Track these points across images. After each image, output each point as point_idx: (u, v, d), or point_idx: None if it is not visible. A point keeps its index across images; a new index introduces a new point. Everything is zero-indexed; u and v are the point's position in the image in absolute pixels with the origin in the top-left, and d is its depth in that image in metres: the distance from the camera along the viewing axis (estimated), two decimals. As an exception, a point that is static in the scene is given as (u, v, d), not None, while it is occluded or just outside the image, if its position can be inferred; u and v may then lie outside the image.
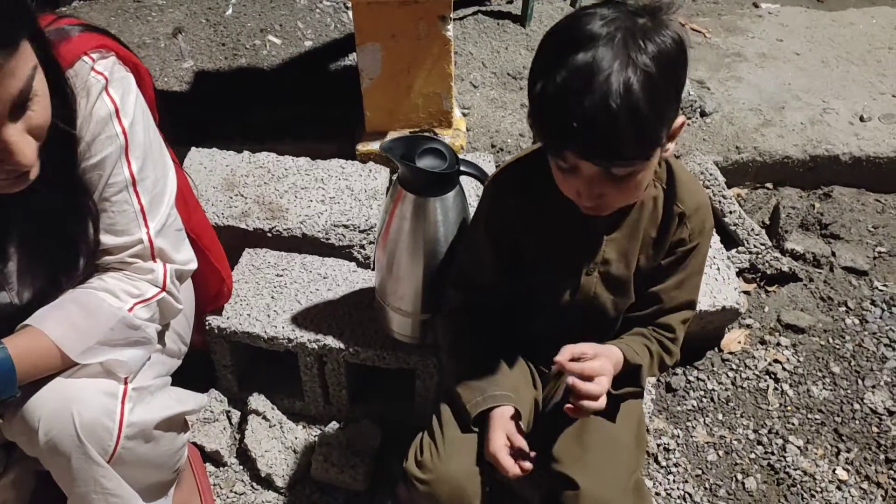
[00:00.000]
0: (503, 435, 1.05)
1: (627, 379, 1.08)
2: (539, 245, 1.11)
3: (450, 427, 1.11)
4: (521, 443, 1.05)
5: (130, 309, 1.03)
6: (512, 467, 1.02)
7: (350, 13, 2.38)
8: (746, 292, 1.80)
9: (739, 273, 1.80)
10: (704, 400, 1.63)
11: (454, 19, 1.79)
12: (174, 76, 2.25)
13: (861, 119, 2.09)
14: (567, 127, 0.84)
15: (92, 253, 1.04)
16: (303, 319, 1.49)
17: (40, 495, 1.29)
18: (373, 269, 1.56)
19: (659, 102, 0.85)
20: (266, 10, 2.44)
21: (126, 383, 1.03)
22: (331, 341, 1.45)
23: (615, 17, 0.86)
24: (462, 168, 1.23)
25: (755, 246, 1.80)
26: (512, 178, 1.11)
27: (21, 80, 0.81)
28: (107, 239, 1.04)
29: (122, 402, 1.01)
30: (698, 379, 1.66)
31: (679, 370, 1.67)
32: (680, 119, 0.93)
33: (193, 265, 1.16)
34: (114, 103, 0.99)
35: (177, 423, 1.13)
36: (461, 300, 1.19)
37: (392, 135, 1.88)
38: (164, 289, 1.08)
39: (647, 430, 1.54)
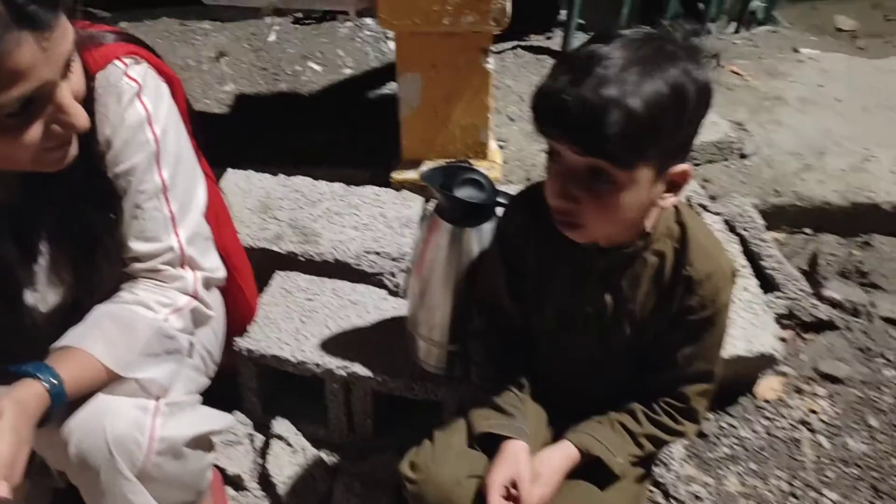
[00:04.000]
0: (508, 472, 1.01)
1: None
2: (540, 271, 1.08)
3: (454, 435, 1.09)
4: (527, 490, 1.00)
5: (165, 319, 1.03)
6: None
7: (389, 43, 2.41)
8: (783, 339, 1.76)
9: (777, 319, 1.75)
10: (737, 448, 1.59)
11: (493, 52, 1.80)
12: (215, 98, 2.29)
13: (903, 167, 2.06)
14: (557, 102, 0.82)
15: (120, 259, 1.04)
16: (331, 345, 1.48)
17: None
18: (404, 297, 1.55)
19: (660, 116, 0.83)
20: (308, 37, 2.48)
21: (158, 399, 1.02)
22: (358, 369, 1.44)
23: (650, 33, 0.86)
24: (500, 199, 1.22)
25: (793, 292, 1.76)
26: (527, 197, 1.10)
27: (69, 40, 0.82)
28: (137, 245, 1.04)
29: (154, 417, 1.00)
30: (731, 426, 1.62)
31: (711, 416, 1.63)
32: (684, 166, 0.90)
33: (222, 273, 1.16)
34: (146, 110, 1.00)
35: (204, 442, 1.12)
36: (485, 323, 1.17)
37: (428, 164, 1.88)
38: (195, 296, 1.08)
39: (677, 476, 1.50)
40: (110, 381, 0.98)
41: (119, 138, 0.98)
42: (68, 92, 0.85)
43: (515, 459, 1.03)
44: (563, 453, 1.07)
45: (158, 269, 1.06)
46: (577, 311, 1.08)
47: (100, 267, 1.04)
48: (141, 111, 1.00)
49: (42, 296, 1.04)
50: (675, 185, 0.92)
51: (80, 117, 0.86)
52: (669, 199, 0.93)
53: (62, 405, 0.93)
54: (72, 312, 1.03)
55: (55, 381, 0.90)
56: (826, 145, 2.13)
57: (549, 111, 0.85)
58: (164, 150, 1.03)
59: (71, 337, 0.97)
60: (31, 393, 0.88)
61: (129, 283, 1.06)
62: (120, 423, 0.98)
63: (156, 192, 1.03)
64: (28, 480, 1.18)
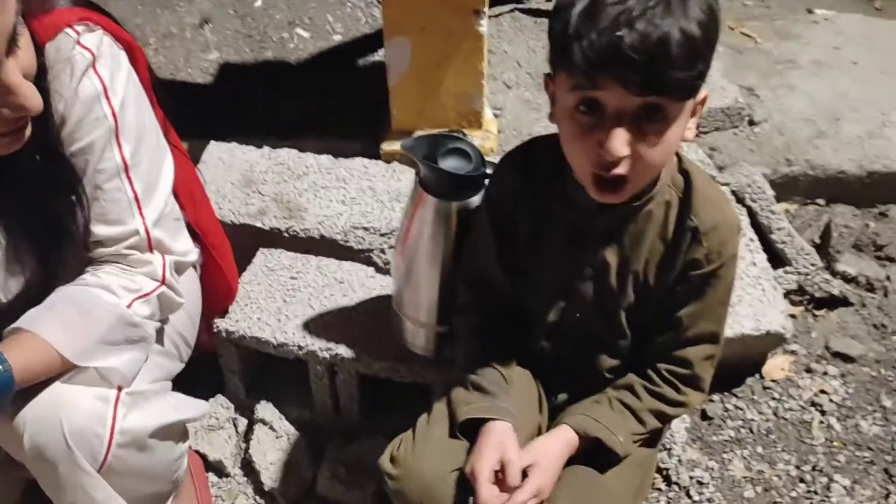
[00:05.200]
0: (495, 455, 0.96)
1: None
2: (533, 236, 1.02)
3: (436, 426, 1.04)
4: (515, 473, 0.94)
5: (129, 305, 0.97)
6: (489, 498, 0.93)
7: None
8: (793, 316, 1.68)
9: (786, 295, 1.67)
10: (743, 430, 1.52)
11: (490, 16, 1.70)
12: (199, 67, 2.21)
13: (923, 134, 1.96)
14: (610, 41, 0.76)
15: (83, 244, 0.98)
16: (315, 326, 1.42)
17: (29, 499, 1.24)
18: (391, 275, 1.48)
19: (710, 35, 0.81)
20: (295, 2, 2.39)
21: (119, 388, 0.95)
22: (343, 351, 1.38)
23: None
24: (488, 171, 1.14)
25: (804, 266, 1.68)
26: (518, 157, 1.04)
27: (11, 14, 0.74)
28: (99, 229, 0.98)
29: (115, 408, 0.94)
30: (737, 407, 1.55)
31: (716, 397, 1.56)
32: (704, 92, 0.86)
33: (193, 256, 1.10)
34: (102, 82, 0.93)
35: (175, 432, 1.06)
36: (471, 297, 1.11)
37: (419, 133, 1.80)
38: (163, 282, 1.02)
39: (679, 461, 1.43)
40: (66, 369, 0.92)
41: (73, 114, 0.92)
42: (16, 70, 0.77)
43: (500, 441, 0.98)
44: (561, 439, 1.01)
45: (124, 254, 1.00)
46: (577, 278, 1.02)
47: (65, 253, 0.98)
48: (96, 84, 0.93)
49: (2, 286, 0.99)
50: (694, 112, 0.88)
51: (31, 98, 0.79)
52: (693, 130, 0.89)
53: (9, 393, 0.87)
54: (37, 298, 0.97)
55: (1, 368, 0.84)
56: (841, 111, 2.03)
57: (601, 53, 0.78)
58: (123, 125, 0.96)
59: (25, 320, 0.92)
60: None
61: (94, 267, 1.00)
62: (78, 414, 0.92)
63: (116, 172, 0.97)
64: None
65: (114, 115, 0.94)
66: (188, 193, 1.20)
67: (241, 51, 2.26)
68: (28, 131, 0.83)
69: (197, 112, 1.88)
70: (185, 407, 1.08)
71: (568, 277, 1.02)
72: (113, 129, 0.95)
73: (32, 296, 0.98)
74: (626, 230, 0.97)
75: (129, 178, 0.98)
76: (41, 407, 0.91)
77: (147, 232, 1.00)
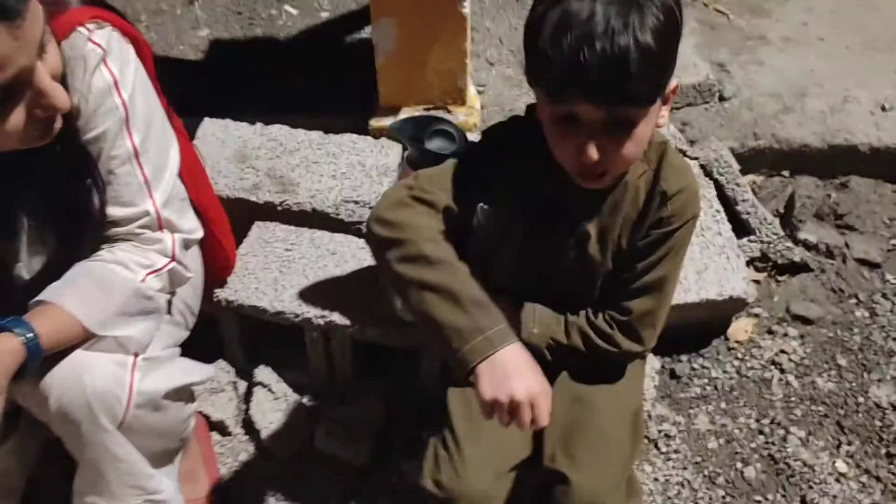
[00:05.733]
0: (540, 372, 0.93)
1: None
2: (517, 218, 1.07)
3: (466, 442, 1.08)
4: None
5: (143, 280, 1.05)
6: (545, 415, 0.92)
7: (368, -15, 2.36)
8: (756, 281, 1.79)
9: (750, 262, 1.78)
10: (708, 388, 1.63)
11: (472, -5, 1.77)
12: (189, 44, 2.25)
13: (883, 109, 2.05)
14: (573, 63, 0.83)
15: (99, 225, 1.06)
16: (310, 295, 1.50)
17: (45, 464, 1.33)
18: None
19: (668, 44, 0.86)
20: (284, -21, 2.42)
21: (136, 354, 1.04)
22: (337, 318, 1.46)
23: None
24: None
25: (767, 235, 1.78)
26: (502, 131, 1.08)
27: (40, 22, 0.82)
28: (114, 211, 1.05)
29: (132, 372, 1.03)
30: (703, 367, 1.66)
31: (684, 357, 1.67)
32: (674, 81, 0.93)
33: (199, 233, 1.18)
34: (112, 75, 1.00)
35: (184, 394, 1.16)
36: (436, 223, 0.99)
37: (405, 111, 1.87)
38: (173, 258, 1.10)
39: (649, 416, 1.54)
40: (87, 337, 1.01)
41: (87, 106, 0.98)
42: (46, 73, 0.85)
43: (529, 357, 0.94)
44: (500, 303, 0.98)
45: (137, 233, 1.08)
46: (558, 249, 1.08)
47: (83, 233, 1.05)
48: (107, 77, 0.99)
49: (26, 264, 1.06)
50: (666, 101, 0.95)
51: (60, 98, 0.87)
52: (665, 116, 0.96)
53: (38, 359, 0.95)
54: (57, 275, 1.04)
55: (31, 336, 0.93)
56: (807, 86, 2.12)
57: (567, 73, 0.84)
58: (133, 114, 1.03)
59: (49, 293, 0.99)
60: (7, 347, 0.91)
61: (109, 245, 1.08)
62: (99, 378, 1.01)
63: (128, 158, 1.04)
64: (18, 433, 1.23)
65: (124, 105, 1.01)
66: (188, 171, 1.26)
67: (231, 28, 2.29)
68: (58, 124, 0.90)
69: (189, 88, 1.93)
70: (192, 371, 1.17)
71: (550, 248, 1.09)
72: (124, 119, 1.02)
73: (53, 273, 1.05)
74: (605, 201, 1.05)
75: (139, 163, 1.05)
76: (65, 372, 1.00)
77: (157, 212, 1.07)
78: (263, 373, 1.57)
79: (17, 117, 0.84)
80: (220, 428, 1.55)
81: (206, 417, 1.53)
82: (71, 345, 1.00)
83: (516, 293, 1.14)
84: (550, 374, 1.13)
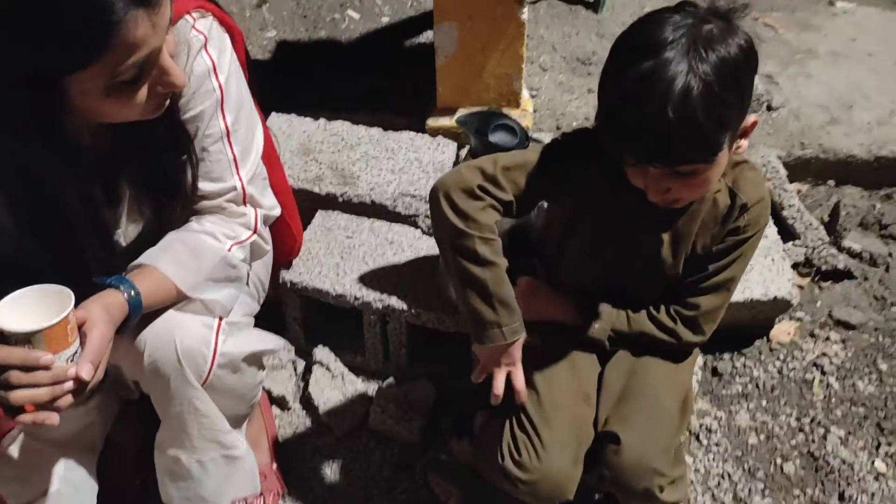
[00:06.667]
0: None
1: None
2: (595, 220, 1.15)
3: (542, 427, 1.14)
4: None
5: (229, 249, 1.14)
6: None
7: (426, -8, 2.46)
8: (800, 286, 1.82)
9: (794, 266, 1.82)
10: (749, 386, 1.67)
11: (528, 3, 1.84)
12: (257, 45, 2.36)
13: (931, 123, 2.08)
14: (628, 134, 0.91)
15: (190, 198, 1.14)
16: (369, 280, 1.58)
17: (122, 420, 1.42)
18: (438, 237, 1.64)
19: (718, 111, 0.90)
20: (347, -14, 2.52)
21: (220, 318, 1.13)
22: (394, 302, 1.54)
23: (684, 23, 0.91)
24: (532, 145, 1.30)
25: (812, 241, 1.82)
26: (582, 145, 1.13)
27: (168, 9, 0.91)
28: (204, 185, 1.14)
29: (217, 334, 1.12)
30: (745, 366, 1.70)
31: (726, 355, 1.71)
32: (751, 118, 0.98)
33: (278, 210, 1.26)
34: (211, 60, 1.09)
35: (257, 360, 1.24)
36: (494, 221, 1.10)
37: (462, 111, 1.95)
38: (255, 231, 1.18)
39: (691, 410, 1.59)
40: (179, 299, 1.10)
41: (188, 87, 1.07)
42: (168, 54, 0.94)
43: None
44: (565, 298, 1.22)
45: (224, 207, 1.17)
46: (630, 254, 1.15)
47: (177, 205, 1.14)
48: (207, 61, 1.08)
49: (124, 231, 1.16)
50: (745, 134, 1.00)
51: (179, 76, 0.96)
52: (744, 146, 1.02)
53: (138, 315, 1.04)
54: (150, 243, 1.13)
55: (134, 293, 1.02)
56: (854, 99, 2.15)
57: (625, 142, 0.93)
58: (227, 97, 1.11)
59: (147, 256, 1.08)
60: (114, 301, 1.00)
61: (198, 217, 1.17)
62: (188, 337, 1.09)
63: (220, 136, 1.13)
64: (100, 392, 1.32)
65: (220, 88, 1.10)
66: (266, 156, 1.35)
67: (297, 30, 2.40)
68: (168, 101, 1.00)
69: (257, 85, 2.03)
70: (267, 339, 1.25)
71: (623, 254, 1.16)
72: (219, 100, 1.11)
73: (146, 242, 1.14)
74: (682, 215, 1.11)
75: (229, 142, 1.14)
76: (159, 330, 1.09)
77: (243, 188, 1.16)
78: (322, 352, 1.65)
79: (143, 92, 0.93)
80: (280, 403, 1.63)
81: (268, 392, 1.62)
82: (164, 305, 1.09)
83: (578, 287, 1.23)
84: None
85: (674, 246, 1.14)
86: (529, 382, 1.17)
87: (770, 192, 1.85)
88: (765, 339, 1.74)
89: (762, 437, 1.58)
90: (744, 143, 1.01)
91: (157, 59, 0.92)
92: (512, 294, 1.10)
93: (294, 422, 1.61)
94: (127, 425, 1.42)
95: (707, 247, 1.14)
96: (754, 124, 0.99)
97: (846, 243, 1.90)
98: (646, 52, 0.90)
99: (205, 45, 1.08)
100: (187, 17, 1.07)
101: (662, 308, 1.18)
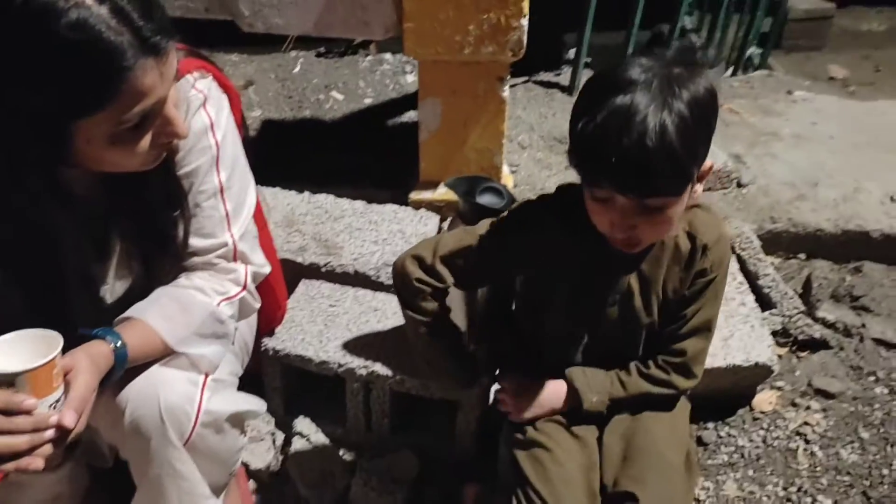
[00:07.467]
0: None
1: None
2: (559, 280, 1.17)
3: (559, 481, 1.13)
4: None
5: (217, 304, 1.13)
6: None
7: (407, 76, 2.55)
8: (779, 356, 1.85)
9: (772, 335, 1.84)
10: (735, 456, 1.66)
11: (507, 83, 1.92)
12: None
13: (892, 199, 2.17)
14: (606, 163, 0.93)
15: (181, 253, 1.14)
16: (352, 347, 1.56)
17: (93, 493, 1.36)
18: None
19: (691, 143, 0.94)
20: (331, 69, 2.62)
21: (206, 375, 1.11)
22: (378, 368, 1.52)
23: (653, 65, 0.95)
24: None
25: (788, 310, 1.86)
26: (550, 200, 1.18)
27: (175, 60, 0.94)
28: (195, 241, 1.14)
29: (202, 391, 1.09)
30: (729, 435, 1.70)
31: (710, 424, 1.71)
32: (708, 162, 1.02)
33: (268, 269, 1.26)
34: (210, 117, 1.11)
35: (240, 423, 1.21)
36: (438, 306, 1.25)
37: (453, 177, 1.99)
38: (244, 288, 1.18)
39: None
40: (165, 353, 1.08)
41: (186, 143, 1.09)
42: (172, 105, 0.97)
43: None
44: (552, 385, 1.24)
45: (214, 263, 1.16)
46: (603, 305, 1.17)
47: (166, 260, 1.14)
48: (205, 119, 1.11)
49: (111, 287, 1.14)
50: (700, 178, 1.04)
51: (181, 127, 0.98)
52: (699, 191, 1.06)
53: (123, 367, 1.02)
54: (136, 298, 1.12)
55: (121, 344, 1.00)
56: (819, 177, 2.25)
57: (602, 171, 0.96)
58: (223, 153, 1.13)
59: (135, 309, 1.07)
60: (100, 351, 0.98)
61: (187, 273, 1.16)
62: (173, 394, 1.07)
63: (214, 192, 1.14)
64: (72, 460, 1.27)
65: (217, 144, 1.12)
66: (255, 218, 1.37)
67: (282, 109, 2.47)
68: (165, 153, 1.02)
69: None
70: (251, 400, 1.22)
71: (594, 306, 1.18)
72: (215, 157, 1.12)
73: (133, 297, 1.13)
74: (644, 258, 1.15)
75: (223, 198, 1.15)
76: (142, 386, 1.06)
77: (234, 244, 1.17)
78: (302, 423, 1.61)
79: (146, 140, 0.95)
80: (257, 477, 1.58)
81: (246, 466, 1.56)
82: (151, 359, 1.07)
83: (565, 351, 1.24)
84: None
85: (644, 294, 1.16)
86: (534, 457, 1.17)
87: (745, 262, 1.90)
88: (748, 408, 1.74)
89: (751, 507, 1.56)
90: (698, 187, 1.04)
91: (162, 109, 0.94)
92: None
93: (272, 497, 1.55)
94: (97, 500, 1.36)
95: (678, 291, 1.16)
96: (710, 168, 1.03)
97: (820, 314, 1.94)
98: (619, 88, 0.94)
99: (204, 103, 1.11)
100: (188, 76, 1.10)
101: (651, 362, 1.19)
